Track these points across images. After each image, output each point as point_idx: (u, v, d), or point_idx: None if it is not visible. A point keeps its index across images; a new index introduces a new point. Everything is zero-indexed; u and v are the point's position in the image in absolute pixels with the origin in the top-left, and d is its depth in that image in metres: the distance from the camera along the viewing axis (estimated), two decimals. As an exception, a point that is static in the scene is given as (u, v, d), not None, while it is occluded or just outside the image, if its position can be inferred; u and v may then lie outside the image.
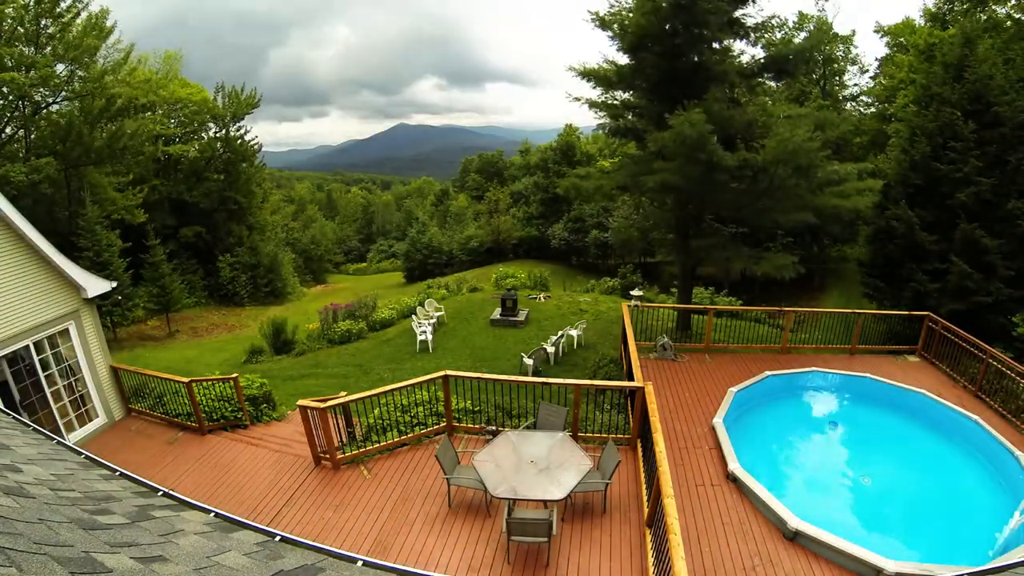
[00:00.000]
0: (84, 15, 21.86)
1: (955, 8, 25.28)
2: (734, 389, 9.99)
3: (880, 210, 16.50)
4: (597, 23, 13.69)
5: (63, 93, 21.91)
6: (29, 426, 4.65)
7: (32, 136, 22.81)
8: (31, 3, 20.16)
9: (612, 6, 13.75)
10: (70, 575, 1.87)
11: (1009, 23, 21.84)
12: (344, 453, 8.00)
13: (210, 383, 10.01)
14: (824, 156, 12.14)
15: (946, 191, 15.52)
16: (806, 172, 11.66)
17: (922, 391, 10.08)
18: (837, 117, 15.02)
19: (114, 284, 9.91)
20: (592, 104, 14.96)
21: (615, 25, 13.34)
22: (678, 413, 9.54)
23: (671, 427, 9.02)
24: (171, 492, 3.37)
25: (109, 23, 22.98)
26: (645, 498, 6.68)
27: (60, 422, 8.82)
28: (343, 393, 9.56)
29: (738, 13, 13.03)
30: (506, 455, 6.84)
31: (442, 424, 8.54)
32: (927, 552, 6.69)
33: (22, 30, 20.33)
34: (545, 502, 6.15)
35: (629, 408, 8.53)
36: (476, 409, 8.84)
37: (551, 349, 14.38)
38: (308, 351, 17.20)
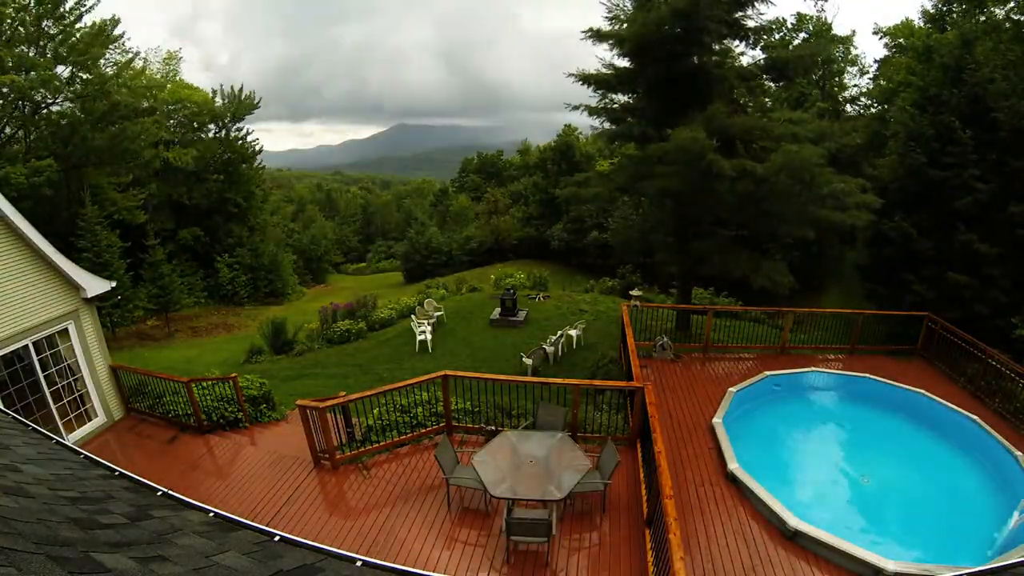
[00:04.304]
0: (89, 19, 21.89)
1: (954, 9, 25.27)
2: (734, 389, 9.99)
3: (878, 215, 16.48)
4: (594, 38, 13.71)
5: (63, 95, 21.89)
6: (28, 426, 4.64)
7: (32, 137, 22.80)
8: (32, 4, 20.14)
9: (611, 11, 13.78)
10: (69, 575, 1.87)
11: (1008, 25, 21.82)
12: (343, 453, 8.00)
13: (210, 383, 10.01)
14: (829, 172, 12.22)
15: (944, 196, 15.48)
16: (809, 185, 11.73)
17: (922, 391, 10.09)
18: (839, 127, 15.03)
19: (113, 284, 9.90)
20: (591, 110, 14.97)
21: (613, 38, 13.38)
22: (677, 413, 9.54)
23: (670, 427, 9.02)
24: (170, 492, 3.37)
25: (118, 31, 23.02)
26: (644, 498, 6.69)
27: (59, 422, 8.81)
28: (342, 393, 9.55)
29: (738, 15, 13.05)
30: (505, 455, 6.85)
31: (441, 424, 8.55)
32: (927, 552, 6.69)
33: (23, 31, 20.32)
34: (544, 502, 6.15)
35: (628, 408, 8.54)
36: (475, 409, 8.84)
37: (550, 349, 14.38)
38: (307, 351, 17.18)
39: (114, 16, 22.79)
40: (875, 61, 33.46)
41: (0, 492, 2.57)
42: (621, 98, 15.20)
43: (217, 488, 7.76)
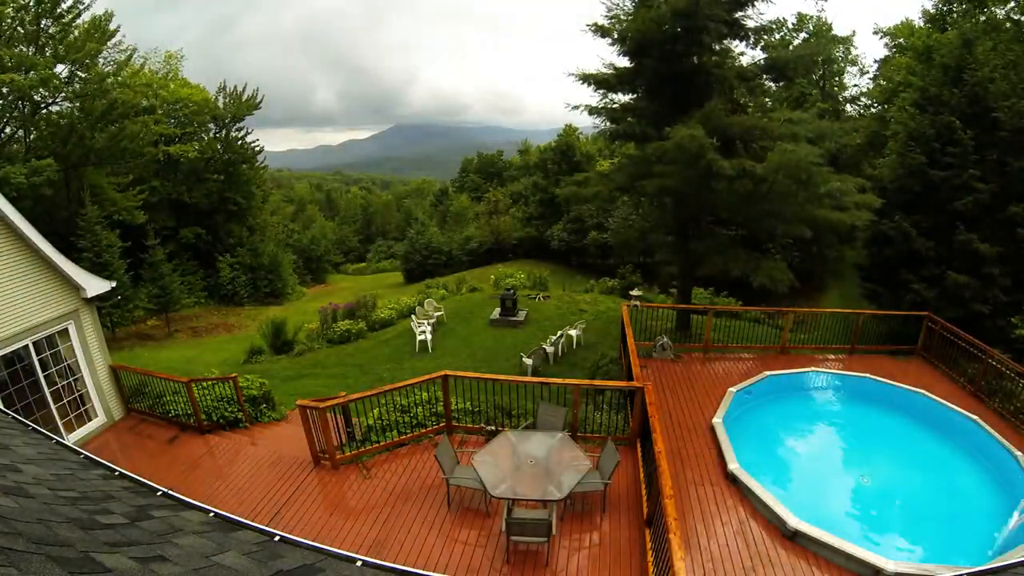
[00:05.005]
0: (87, 16, 21.89)
1: (954, 9, 25.28)
2: (734, 389, 9.99)
3: (878, 215, 16.47)
4: (596, 32, 13.75)
5: (63, 94, 21.89)
6: (28, 426, 4.64)
7: (32, 136, 22.80)
8: (31, 3, 20.14)
9: (610, 11, 13.81)
10: (69, 575, 1.87)
11: (1008, 24, 21.83)
12: (343, 453, 8.00)
13: (210, 383, 10.01)
14: (827, 171, 12.22)
15: (944, 196, 15.48)
16: (806, 184, 11.74)
17: (922, 391, 10.09)
18: (838, 128, 15.01)
19: (113, 284, 9.90)
20: (592, 110, 14.99)
21: (614, 32, 13.40)
22: (678, 413, 9.54)
23: (670, 427, 9.02)
24: (170, 492, 3.37)
25: (112, 26, 23.01)
26: (644, 498, 6.69)
27: (59, 422, 8.81)
28: (342, 393, 9.56)
29: (738, 15, 13.06)
30: (505, 455, 6.84)
31: (441, 424, 8.55)
32: (927, 552, 6.69)
33: (22, 31, 20.31)
34: (544, 502, 6.15)
35: (628, 408, 8.54)
36: (475, 409, 8.85)
37: (550, 349, 14.39)
38: (307, 351, 17.19)
39: (108, 11, 22.76)
40: (875, 61, 33.52)
41: (0, 492, 2.57)
42: (621, 98, 15.21)
43: (217, 488, 7.76)
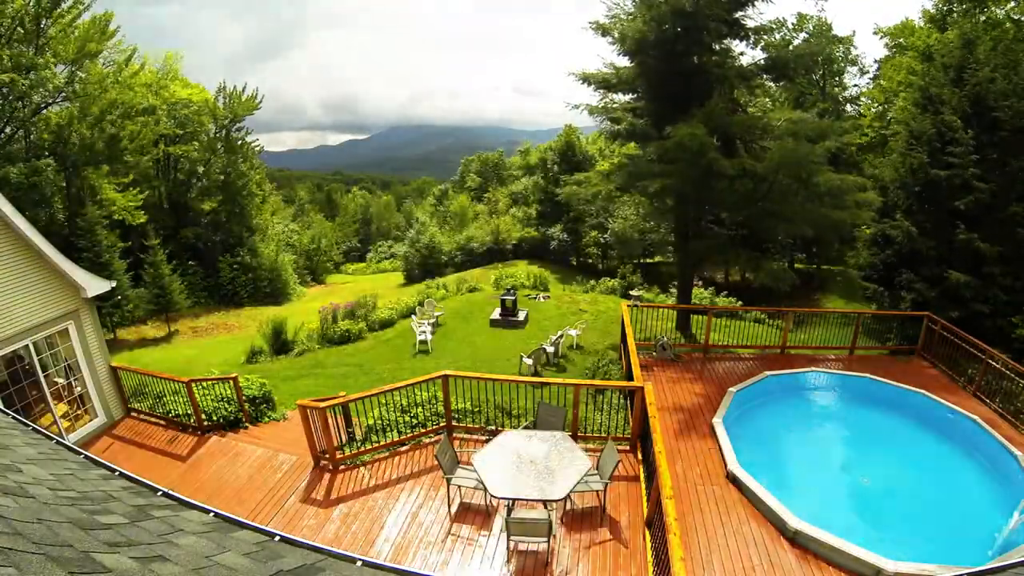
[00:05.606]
0: (87, 16, 21.90)
1: (954, 9, 25.27)
2: (734, 389, 9.99)
3: (879, 214, 16.45)
4: (598, 30, 13.79)
5: (63, 94, 21.90)
6: (28, 426, 4.64)
7: (32, 136, 22.81)
8: (31, 3, 20.15)
9: (611, 9, 13.82)
10: (69, 575, 1.86)
11: (1008, 24, 21.83)
12: (344, 453, 8.00)
13: (210, 383, 10.01)
14: (827, 170, 12.24)
15: (945, 196, 15.48)
16: (806, 183, 11.76)
17: (922, 391, 10.09)
18: (839, 126, 15.04)
19: (113, 284, 9.90)
20: (592, 110, 14.99)
21: (615, 32, 13.43)
22: (678, 413, 9.54)
23: (671, 427, 9.02)
24: (170, 492, 3.36)
25: (112, 26, 23.03)
26: (645, 498, 6.69)
27: (60, 422, 8.82)
28: (342, 393, 9.56)
29: (738, 14, 13.07)
30: (505, 455, 6.84)
31: (441, 424, 8.55)
32: (927, 552, 6.68)
33: (22, 31, 20.31)
34: (544, 502, 6.15)
35: (628, 408, 8.54)
36: (476, 409, 8.85)
37: (550, 349, 14.38)
38: (308, 351, 17.18)
39: (107, 11, 22.77)
40: (875, 61, 33.47)
41: (0, 492, 2.57)
42: (622, 98, 15.22)
43: (217, 488, 7.76)
